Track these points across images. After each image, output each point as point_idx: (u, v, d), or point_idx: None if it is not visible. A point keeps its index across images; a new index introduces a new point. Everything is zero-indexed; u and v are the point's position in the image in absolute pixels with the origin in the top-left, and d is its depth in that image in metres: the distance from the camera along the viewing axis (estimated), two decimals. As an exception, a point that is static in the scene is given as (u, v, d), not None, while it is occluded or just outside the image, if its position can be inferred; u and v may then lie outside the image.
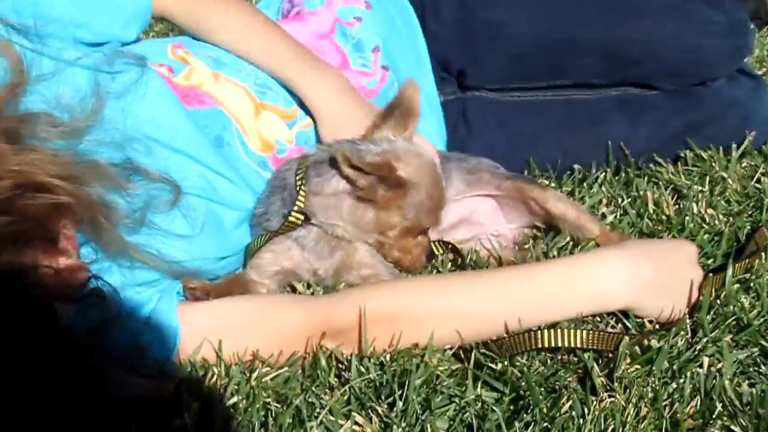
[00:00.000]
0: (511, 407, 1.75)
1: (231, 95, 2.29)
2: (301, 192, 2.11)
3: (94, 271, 1.83)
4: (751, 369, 1.82)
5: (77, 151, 1.90)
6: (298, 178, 2.12)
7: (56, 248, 1.78)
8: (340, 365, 1.87)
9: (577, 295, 1.91)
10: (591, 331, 1.84)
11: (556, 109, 2.75)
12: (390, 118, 2.20)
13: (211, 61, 2.32)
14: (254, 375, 1.82)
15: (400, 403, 1.72)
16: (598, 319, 1.96)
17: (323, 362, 1.86)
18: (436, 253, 2.28)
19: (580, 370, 1.83)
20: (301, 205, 2.11)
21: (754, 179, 2.59)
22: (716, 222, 2.35)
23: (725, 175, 2.58)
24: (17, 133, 1.84)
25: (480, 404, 1.75)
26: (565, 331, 1.83)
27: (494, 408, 1.72)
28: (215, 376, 1.83)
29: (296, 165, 2.17)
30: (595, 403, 1.69)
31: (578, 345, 1.83)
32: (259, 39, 2.34)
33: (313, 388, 1.80)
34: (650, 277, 1.92)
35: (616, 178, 2.68)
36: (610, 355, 1.84)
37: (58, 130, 1.88)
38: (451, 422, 1.72)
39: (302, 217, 2.12)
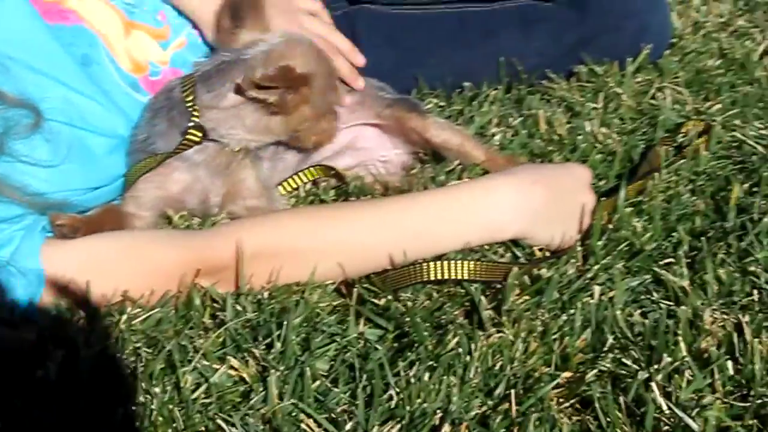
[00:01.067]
0: (395, 345, 1.67)
1: (97, 13, 2.12)
2: (195, 107, 1.97)
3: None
4: (642, 297, 1.76)
5: None
6: (185, 94, 1.98)
7: None
8: (215, 305, 1.76)
9: (465, 225, 1.83)
10: (479, 262, 1.76)
11: (448, 22, 2.64)
12: (241, 20, 2.06)
13: None
14: (123, 318, 1.70)
15: (278, 344, 1.63)
16: (487, 248, 1.88)
17: (197, 302, 1.75)
18: (317, 176, 2.19)
19: (467, 304, 1.75)
20: (197, 120, 1.97)
21: (649, 95, 2.52)
22: (609, 141, 2.28)
23: (619, 90, 2.51)
24: None
25: (362, 343, 1.66)
26: (452, 263, 1.75)
27: (377, 346, 1.64)
28: (80, 320, 1.71)
29: (180, 82, 2.03)
30: (482, 338, 1.62)
31: (466, 277, 1.75)
32: None
33: (187, 331, 1.69)
34: (541, 205, 1.85)
35: (508, 95, 2.58)
36: (499, 286, 1.76)
37: None
38: (332, 362, 1.63)
39: (200, 134, 1.97)
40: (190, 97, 1.98)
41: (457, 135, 2.22)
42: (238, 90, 1.92)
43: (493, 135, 2.34)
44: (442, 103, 2.56)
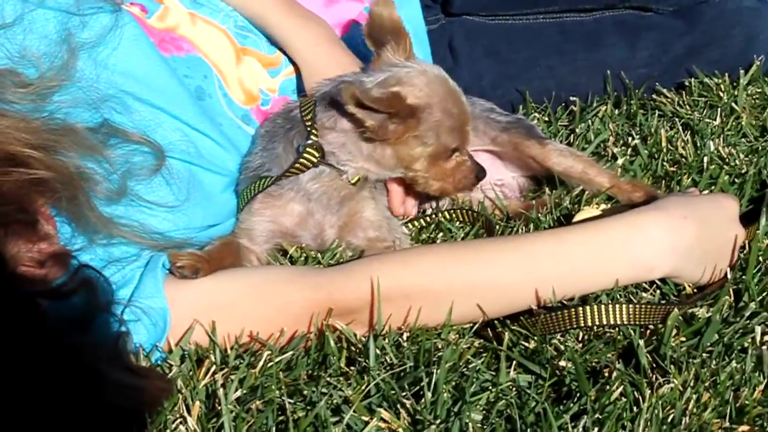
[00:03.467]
0: (550, 391, 1.56)
1: (210, 39, 2.05)
2: (314, 126, 1.88)
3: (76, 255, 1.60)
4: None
5: (48, 113, 1.65)
6: (305, 113, 1.90)
7: (37, 233, 1.55)
8: (352, 348, 1.66)
9: (614, 265, 1.72)
10: (637, 305, 1.65)
11: (548, 33, 2.54)
12: (383, 47, 1.97)
13: (187, 0, 2.07)
14: (260, 364, 1.60)
15: (428, 394, 1.52)
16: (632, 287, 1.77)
17: (332, 344, 1.65)
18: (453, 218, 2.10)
19: (620, 346, 1.64)
20: (316, 138, 1.88)
21: (768, 110, 2.41)
22: (736, 162, 2.17)
23: (735, 105, 2.39)
24: None
25: (515, 390, 1.56)
26: (609, 307, 1.64)
27: (533, 394, 1.53)
28: (212, 367, 1.61)
29: (300, 102, 1.96)
30: (646, 386, 1.51)
31: (624, 321, 1.64)
32: None
33: (326, 377, 1.59)
34: (692, 241, 1.73)
35: (617, 110, 2.46)
36: (651, 327, 1.66)
37: (25, 91, 1.63)
38: (487, 412, 1.52)
39: (317, 154, 1.88)
40: (309, 116, 1.89)
41: (579, 162, 2.10)
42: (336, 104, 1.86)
43: (615, 157, 2.22)
44: (547, 119, 2.44)
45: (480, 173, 1.97)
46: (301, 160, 1.88)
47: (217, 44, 2.03)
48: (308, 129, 1.89)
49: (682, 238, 1.73)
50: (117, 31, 1.84)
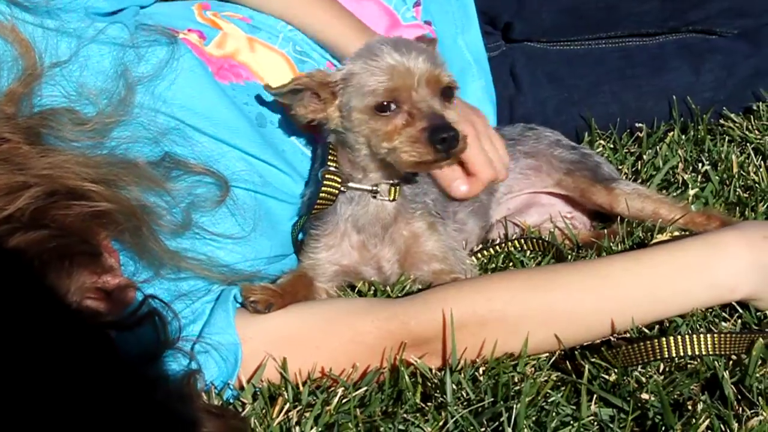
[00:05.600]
0: (633, 425, 1.51)
1: (269, 65, 2.02)
2: (334, 153, 1.86)
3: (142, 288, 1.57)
4: None
5: (108, 149, 1.64)
6: (329, 142, 1.87)
7: (101, 265, 1.52)
8: (427, 383, 1.62)
9: (693, 287, 1.68)
10: (720, 335, 1.60)
11: (611, 58, 2.51)
12: None
13: (245, 25, 2.05)
14: (335, 400, 1.56)
15: (509, 429, 1.48)
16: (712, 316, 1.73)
17: (407, 379, 1.61)
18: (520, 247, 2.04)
19: (704, 378, 1.59)
20: (333, 164, 1.85)
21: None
22: (812, 188, 2.12)
23: (808, 130, 2.35)
24: (38, 133, 1.58)
25: (597, 424, 1.51)
26: (693, 337, 1.59)
27: (616, 429, 1.48)
28: (286, 404, 1.57)
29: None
30: (733, 419, 1.46)
31: (709, 352, 1.59)
32: None
33: (402, 413, 1.55)
34: None
35: (684, 136, 2.42)
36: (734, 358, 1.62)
37: (84, 129, 1.62)
38: (568, 447, 1.49)
39: (338, 179, 1.85)
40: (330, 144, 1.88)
41: (649, 202, 2.05)
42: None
43: (685, 184, 2.17)
44: (612, 145, 2.40)
45: (434, 131, 1.72)
46: (323, 189, 1.84)
47: (276, 69, 2.01)
48: (328, 156, 1.86)
49: (763, 257, 1.68)
50: (174, 64, 1.83)
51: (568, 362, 1.66)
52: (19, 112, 1.59)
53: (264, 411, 1.57)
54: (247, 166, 1.86)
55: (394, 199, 1.87)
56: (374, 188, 1.86)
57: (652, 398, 1.53)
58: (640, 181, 2.26)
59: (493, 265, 2.01)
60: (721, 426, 1.46)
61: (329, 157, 1.87)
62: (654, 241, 1.91)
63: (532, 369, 1.66)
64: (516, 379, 1.61)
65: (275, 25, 2.09)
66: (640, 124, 2.45)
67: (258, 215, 1.83)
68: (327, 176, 1.85)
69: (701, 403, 1.51)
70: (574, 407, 1.55)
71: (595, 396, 1.56)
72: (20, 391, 1.25)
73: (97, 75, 1.72)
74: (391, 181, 1.86)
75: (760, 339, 1.59)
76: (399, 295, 1.86)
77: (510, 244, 2.04)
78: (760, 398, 1.51)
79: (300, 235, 1.93)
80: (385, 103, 1.75)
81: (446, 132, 1.71)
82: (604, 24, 2.47)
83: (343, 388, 1.60)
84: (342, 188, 1.86)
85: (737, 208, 2.10)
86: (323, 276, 1.88)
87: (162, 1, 2.05)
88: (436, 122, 1.72)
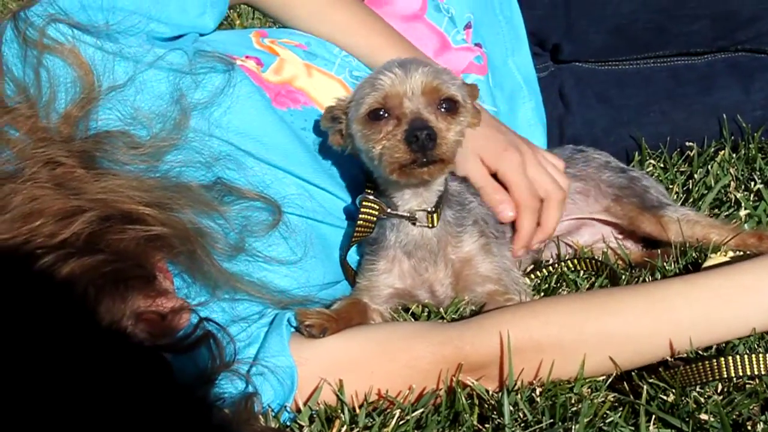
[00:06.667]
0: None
1: (326, 90, 2.03)
2: (371, 179, 1.87)
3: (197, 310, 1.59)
4: None
5: (161, 172, 1.66)
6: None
7: (155, 289, 1.54)
8: (484, 405, 1.62)
9: (750, 309, 1.66)
10: (780, 354, 1.59)
11: (659, 78, 2.49)
12: None
13: (302, 52, 2.06)
14: (392, 423, 1.57)
15: (567, 451, 1.48)
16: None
17: (463, 400, 1.61)
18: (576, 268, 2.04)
19: (763, 398, 1.58)
20: (369, 192, 1.86)
21: None
22: None
23: None
24: (92, 156, 1.59)
25: (655, 446, 1.51)
26: (753, 356, 1.58)
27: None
28: (343, 427, 1.58)
29: None
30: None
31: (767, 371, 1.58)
32: (345, 18, 2.11)
33: (460, 436, 1.55)
34: None
35: (735, 154, 2.40)
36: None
37: (137, 152, 1.63)
38: (626, 469, 1.48)
39: (376, 206, 1.85)
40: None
41: (699, 227, 2.03)
42: None
43: (737, 204, 2.16)
44: (663, 165, 2.39)
45: (410, 131, 1.71)
46: (360, 215, 1.85)
47: (333, 95, 2.01)
48: (367, 183, 1.88)
49: None
50: (230, 90, 1.83)
51: (625, 383, 1.65)
52: (75, 135, 1.61)
53: (321, 433, 1.58)
54: (300, 191, 1.87)
55: (433, 226, 1.87)
56: (412, 215, 1.86)
57: (712, 419, 1.52)
58: (691, 200, 2.24)
59: (546, 286, 2.00)
60: (782, 445, 1.46)
61: (367, 183, 1.88)
62: (708, 260, 1.89)
63: (589, 390, 1.65)
64: (573, 400, 1.61)
65: (331, 50, 2.10)
66: (691, 144, 2.43)
67: (310, 240, 1.84)
68: (364, 203, 1.86)
69: (761, 423, 1.50)
70: (632, 428, 1.54)
71: (653, 417, 1.55)
72: (80, 416, 1.26)
73: (153, 100, 1.74)
74: (427, 209, 1.86)
75: (820, 357, 1.58)
76: (453, 317, 1.86)
77: (563, 264, 2.04)
78: (822, 418, 1.50)
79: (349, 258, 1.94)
80: (378, 112, 1.76)
81: (420, 131, 1.70)
82: (652, 44, 2.45)
83: (400, 410, 1.60)
84: (381, 215, 1.87)
85: (790, 227, 2.09)
86: (378, 298, 1.89)
87: (221, 30, 2.07)
88: (415, 124, 1.72)
